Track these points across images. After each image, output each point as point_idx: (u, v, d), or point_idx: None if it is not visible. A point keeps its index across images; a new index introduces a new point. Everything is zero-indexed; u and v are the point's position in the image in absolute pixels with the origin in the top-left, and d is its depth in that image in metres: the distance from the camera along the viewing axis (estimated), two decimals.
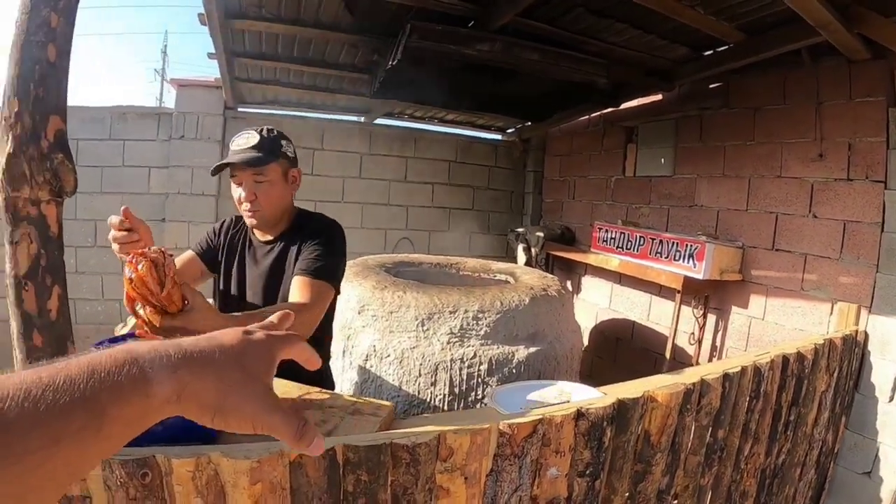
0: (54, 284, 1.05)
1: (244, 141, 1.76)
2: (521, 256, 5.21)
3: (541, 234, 5.04)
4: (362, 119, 5.83)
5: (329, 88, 4.97)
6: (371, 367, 2.76)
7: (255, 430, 0.55)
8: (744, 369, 1.80)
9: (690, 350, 3.74)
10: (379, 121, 5.79)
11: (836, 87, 3.00)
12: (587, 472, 1.37)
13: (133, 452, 1.00)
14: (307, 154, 5.46)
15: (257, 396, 0.53)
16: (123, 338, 1.37)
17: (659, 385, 1.53)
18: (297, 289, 1.66)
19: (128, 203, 4.96)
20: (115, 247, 1.34)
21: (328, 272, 1.73)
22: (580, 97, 4.27)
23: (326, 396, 1.47)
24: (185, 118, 5.22)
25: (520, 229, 5.44)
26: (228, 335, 0.56)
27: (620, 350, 4.50)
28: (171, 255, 1.18)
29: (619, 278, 4.52)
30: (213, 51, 3.88)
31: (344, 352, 2.86)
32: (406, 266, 3.70)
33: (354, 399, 1.46)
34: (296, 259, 1.80)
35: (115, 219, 1.32)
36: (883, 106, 2.79)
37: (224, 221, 2.03)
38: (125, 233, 1.32)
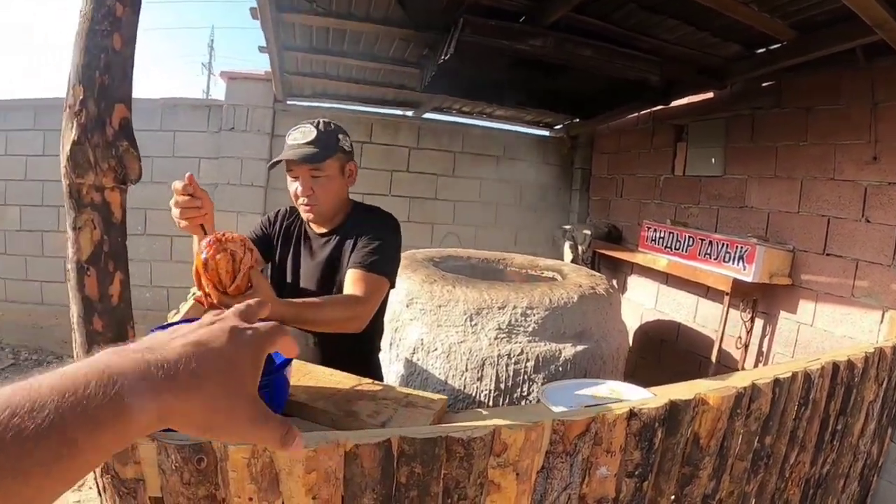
0: (116, 270, 1.05)
1: (301, 135, 1.77)
2: (568, 254, 5.20)
3: (588, 232, 5.03)
4: (410, 113, 5.86)
5: (378, 82, 5.02)
6: (418, 360, 2.81)
7: (243, 440, 0.58)
8: (794, 375, 1.78)
9: (736, 354, 3.69)
10: (427, 115, 5.82)
11: (892, 88, 2.93)
12: (636, 472, 1.38)
13: (190, 438, 1.03)
14: (355, 147, 5.51)
15: (245, 411, 0.51)
16: (175, 325, 1.44)
17: (710, 388, 1.53)
18: (352, 282, 1.69)
19: None
20: (175, 212, 1.35)
21: (383, 266, 1.75)
22: (631, 94, 4.23)
23: (379, 388, 1.50)
24: (234, 110, 5.36)
25: (567, 226, 5.42)
26: (218, 336, 0.53)
27: (665, 352, 4.46)
28: (253, 250, 1.26)
29: (666, 279, 4.48)
30: (265, 44, 3.97)
31: (391, 344, 2.92)
32: (454, 260, 3.73)
33: (407, 391, 1.49)
34: (352, 252, 1.81)
35: (178, 184, 1.33)
36: None
37: (279, 211, 2.04)
38: (188, 197, 1.33)
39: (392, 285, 1.81)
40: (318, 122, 1.81)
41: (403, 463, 1.09)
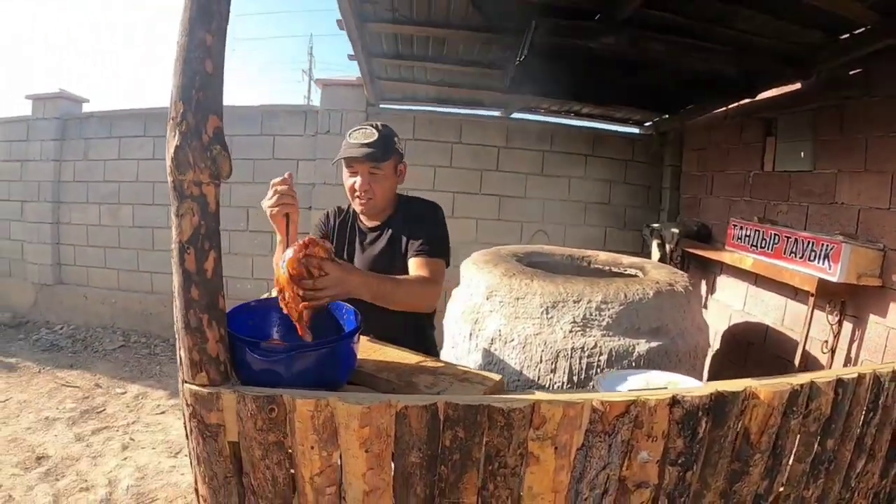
0: (210, 249, 1.24)
1: (362, 136, 1.97)
2: (656, 252, 5.15)
3: (676, 231, 4.95)
4: (498, 113, 5.97)
5: (464, 84, 5.16)
6: (495, 350, 2.91)
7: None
8: (860, 377, 1.73)
9: (823, 359, 3.54)
10: (515, 115, 5.90)
11: None
12: (679, 461, 1.41)
13: (265, 391, 1.23)
14: (445, 147, 5.74)
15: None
16: (256, 304, 1.74)
17: (762, 382, 1.53)
18: (417, 267, 1.95)
19: None
20: (271, 200, 1.64)
21: (441, 250, 2.03)
22: (714, 88, 4.15)
23: (441, 364, 1.71)
24: (329, 115, 5.70)
25: (655, 225, 5.36)
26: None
27: (751, 355, 4.32)
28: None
29: (755, 279, 4.34)
30: (353, 52, 4.20)
31: (471, 334, 3.02)
32: (537, 256, 3.80)
33: (466, 369, 1.69)
34: (407, 241, 2.06)
35: (279, 179, 1.64)
36: None
37: (328, 212, 2.29)
38: (286, 187, 1.63)
39: (448, 265, 2.05)
40: (378, 125, 2.02)
41: (448, 427, 1.23)
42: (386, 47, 4.30)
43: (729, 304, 4.67)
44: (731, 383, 1.55)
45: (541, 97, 5.06)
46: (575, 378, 2.79)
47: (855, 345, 3.41)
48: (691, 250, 4.90)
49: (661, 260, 4.97)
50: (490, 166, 5.85)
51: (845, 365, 3.44)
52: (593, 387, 1.79)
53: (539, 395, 1.32)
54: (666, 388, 1.53)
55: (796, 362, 3.54)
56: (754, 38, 3.31)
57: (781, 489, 1.67)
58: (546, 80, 3.92)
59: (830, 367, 3.50)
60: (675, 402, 1.39)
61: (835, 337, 3.47)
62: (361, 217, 2.19)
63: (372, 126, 2.01)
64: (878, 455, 1.94)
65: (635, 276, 3.49)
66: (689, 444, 1.42)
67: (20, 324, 6.52)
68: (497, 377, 1.61)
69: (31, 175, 6.51)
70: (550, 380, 2.82)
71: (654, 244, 5.16)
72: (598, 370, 2.77)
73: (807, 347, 3.55)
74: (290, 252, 1.48)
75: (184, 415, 1.33)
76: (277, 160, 5.82)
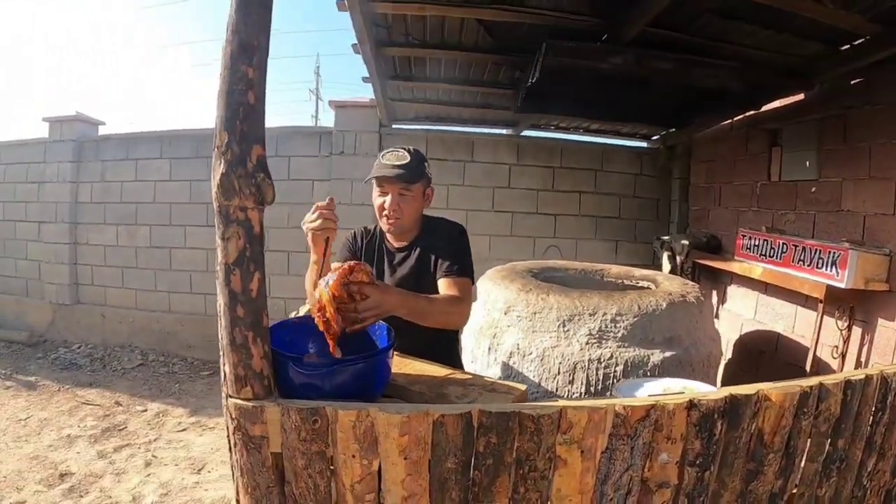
0: (255, 271, 1.30)
1: (395, 158, 2.05)
2: (666, 264, 5.22)
3: (686, 242, 5.02)
4: (509, 131, 6.09)
5: (475, 104, 5.31)
6: (514, 363, 3.00)
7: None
8: (868, 378, 1.78)
9: (834, 364, 3.60)
10: (525, 132, 6.04)
11: None
12: (697, 462, 1.47)
13: (309, 403, 1.28)
14: (458, 166, 5.87)
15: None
16: (292, 322, 1.79)
17: (774, 385, 1.58)
18: (446, 287, 2.05)
19: (293, 212, 5.59)
20: (315, 223, 1.71)
21: (467, 270, 2.12)
22: (718, 102, 4.26)
23: (469, 376, 1.81)
24: (343, 136, 5.83)
25: (665, 237, 5.44)
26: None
27: (763, 363, 4.39)
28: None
29: (765, 288, 4.40)
30: (367, 75, 4.31)
31: (490, 349, 3.11)
32: (552, 271, 3.89)
33: (492, 380, 1.79)
34: (435, 261, 2.14)
35: (323, 202, 1.71)
36: None
37: (354, 231, 2.35)
38: (330, 212, 1.71)
39: (473, 283, 2.14)
40: (410, 149, 2.10)
41: (482, 433, 1.29)
42: (399, 69, 4.44)
43: (740, 314, 4.73)
44: (744, 387, 1.62)
45: (551, 115, 5.19)
46: (592, 389, 2.87)
47: (865, 348, 3.48)
48: (701, 261, 4.97)
49: (672, 272, 5.03)
50: (502, 183, 5.95)
51: (856, 369, 3.47)
52: (611, 394, 1.85)
53: (565, 402, 1.39)
54: (683, 392, 1.59)
55: (808, 368, 3.61)
56: (756, 52, 3.41)
57: (795, 489, 1.72)
58: (556, 99, 4.05)
59: (841, 372, 3.52)
60: (692, 405, 1.45)
61: (844, 342, 3.54)
62: (388, 237, 2.26)
63: (404, 149, 2.08)
64: (888, 454, 1.98)
65: (647, 288, 3.56)
66: (706, 445, 1.48)
67: (38, 343, 6.63)
68: (522, 387, 1.71)
69: (49, 196, 6.66)
70: (568, 391, 2.91)
71: (665, 256, 5.23)
72: (615, 380, 2.84)
73: (817, 353, 3.61)
74: (332, 277, 1.55)
75: (227, 428, 1.37)
76: (293, 181, 5.94)
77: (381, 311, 1.64)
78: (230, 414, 1.32)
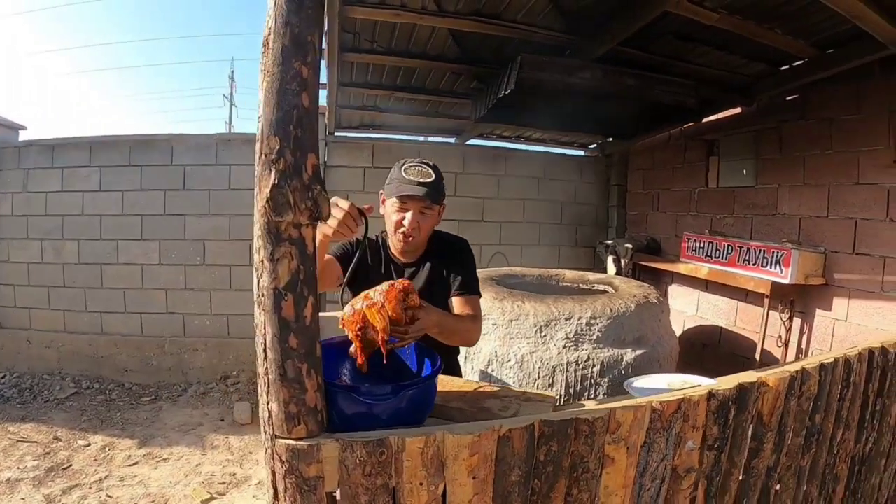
0: (309, 295, 1.16)
1: (419, 174, 1.92)
2: (612, 267, 5.49)
3: (629, 246, 5.32)
4: (454, 140, 6.19)
5: (426, 113, 5.35)
6: (492, 371, 3.10)
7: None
8: (836, 360, 2.02)
9: (777, 353, 3.94)
10: (471, 141, 6.14)
11: None
12: (715, 445, 1.64)
13: (373, 435, 1.18)
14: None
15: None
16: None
17: (768, 373, 1.78)
18: (461, 305, 2.03)
19: (235, 224, 5.55)
20: (334, 227, 1.60)
21: (477, 287, 2.11)
22: (668, 115, 4.49)
23: (496, 388, 1.80)
24: None
25: (609, 241, 5.70)
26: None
27: (707, 356, 4.70)
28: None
29: (706, 286, 4.73)
30: (325, 81, 4.27)
31: (466, 358, 3.17)
32: (511, 278, 4.02)
33: (522, 390, 1.81)
34: (447, 278, 2.08)
35: (343, 202, 1.61)
36: None
37: (358, 238, 2.02)
38: (356, 222, 1.61)
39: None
40: (431, 163, 1.99)
41: (543, 442, 1.30)
42: (356, 76, 4.43)
43: (682, 311, 5.05)
44: (746, 376, 1.81)
45: (508, 125, 5.33)
46: (572, 390, 3.04)
47: (805, 337, 3.85)
48: (645, 263, 5.27)
49: (617, 274, 5.30)
50: (448, 192, 5.85)
51: (797, 355, 3.87)
52: (594, 395, 1.99)
53: (611, 403, 1.52)
54: (685, 385, 1.76)
55: (757, 357, 3.94)
56: (708, 70, 3.72)
57: (784, 460, 1.92)
58: (522, 110, 4.17)
59: (785, 359, 3.91)
60: (711, 396, 1.62)
61: (787, 331, 3.90)
62: (394, 251, 2.15)
63: (427, 164, 1.97)
64: (852, 424, 2.23)
65: (605, 291, 3.77)
66: (722, 430, 1.65)
67: None
68: (552, 394, 1.77)
69: None
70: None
71: (610, 259, 5.51)
72: (592, 381, 3.02)
73: (762, 343, 3.94)
74: (382, 295, 1.46)
75: (273, 473, 1.23)
76: (234, 191, 5.64)
77: (422, 332, 1.62)
78: (278, 457, 1.19)
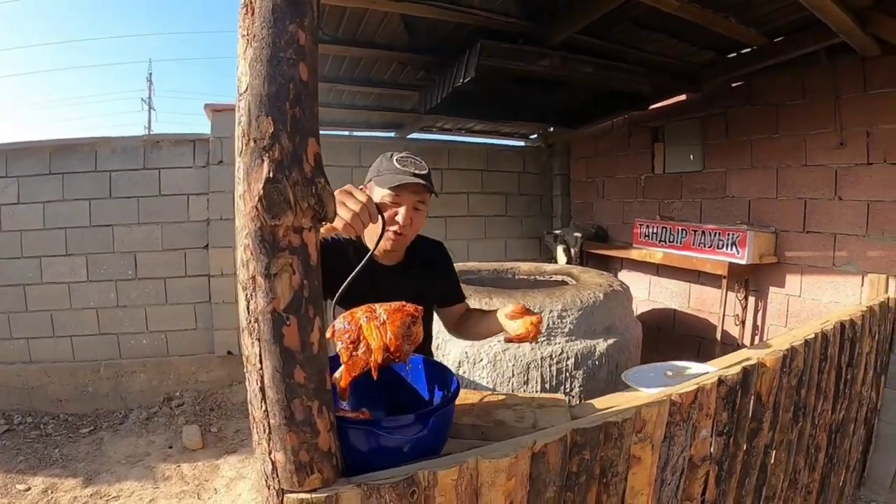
0: (315, 316, 0.97)
1: (414, 166, 1.76)
2: (562, 256, 5.52)
3: (578, 235, 5.36)
4: (394, 134, 6.04)
5: (368, 106, 5.18)
6: (464, 372, 3.04)
7: None
8: (816, 335, 2.09)
9: (735, 331, 4.06)
10: (412, 135, 6.02)
11: (852, 81, 3.34)
12: (725, 430, 1.64)
13: (395, 473, 1.02)
14: (346, 171, 5.55)
15: None
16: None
17: (759, 355, 1.82)
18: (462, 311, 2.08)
19: (168, 232, 5.10)
20: (350, 213, 1.36)
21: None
22: (616, 102, 4.53)
23: (503, 396, 1.66)
24: (222, 143, 5.18)
25: (557, 231, 5.74)
26: None
27: (662, 338, 4.79)
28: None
29: (657, 270, 4.82)
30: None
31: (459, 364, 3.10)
32: (466, 274, 3.94)
33: (531, 396, 1.71)
34: (437, 286, 2.01)
35: (361, 195, 1.38)
36: None
37: (342, 238, 1.86)
38: (377, 213, 1.41)
39: None
40: (418, 157, 1.84)
41: (575, 452, 1.22)
42: None
43: (635, 296, 5.02)
44: (746, 358, 1.84)
45: (460, 118, 5.24)
46: (547, 385, 3.00)
47: (759, 314, 3.98)
48: (595, 251, 5.33)
49: (568, 263, 5.33)
50: None
51: (754, 332, 4.01)
52: (629, 385, 1.95)
53: (635, 401, 1.47)
54: (707, 372, 1.75)
55: (718, 337, 4.02)
56: (659, 58, 3.75)
57: (777, 436, 1.96)
58: (473, 101, 4.11)
59: (742, 337, 4.04)
60: (720, 382, 1.62)
61: (743, 310, 4.03)
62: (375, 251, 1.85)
63: (416, 158, 1.82)
64: (829, 394, 2.32)
65: (565, 282, 3.76)
66: (731, 415, 1.67)
67: None
68: (562, 396, 1.69)
69: None
70: (525, 391, 3.01)
71: (560, 249, 5.54)
72: (567, 374, 3.00)
73: (717, 322, 4.04)
74: (385, 316, 1.25)
75: None
76: (165, 196, 5.17)
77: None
78: None
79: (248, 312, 0.96)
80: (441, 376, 1.45)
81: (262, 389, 0.97)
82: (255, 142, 0.91)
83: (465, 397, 1.65)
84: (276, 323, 0.93)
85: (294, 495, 0.98)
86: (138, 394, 5.16)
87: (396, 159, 1.78)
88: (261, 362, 0.95)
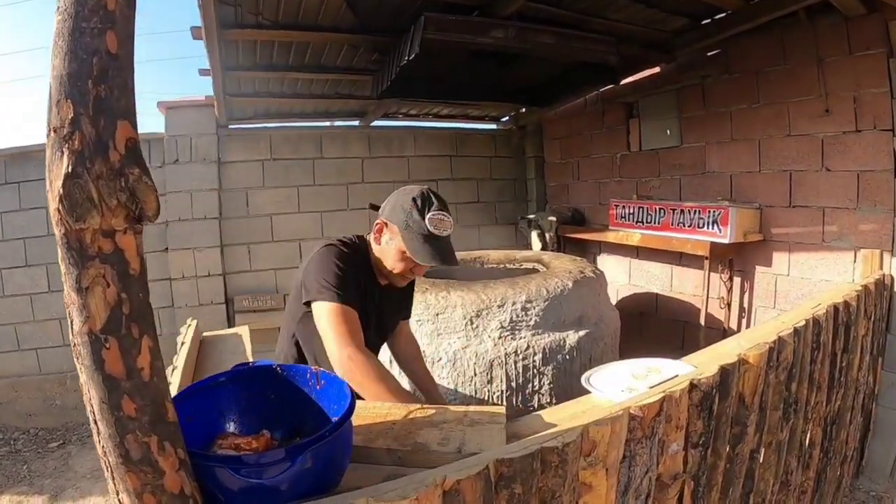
0: (142, 335, 0.83)
1: (445, 226, 1.78)
2: (536, 242, 5.29)
3: (553, 219, 5.13)
4: (358, 123, 5.80)
5: (325, 95, 4.96)
6: None
7: None
8: (807, 322, 1.89)
9: (720, 314, 3.84)
10: (375, 123, 5.76)
11: (835, 43, 3.10)
12: (700, 442, 1.42)
13: None
14: (307, 164, 5.49)
15: None
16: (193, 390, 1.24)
17: (729, 350, 1.66)
18: (408, 328, 2.31)
19: None
20: None
21: None
22: (583, 77, 4.30)
23: (433, 412, 1.40)
24: (177, 141, 5.12)
25: (531, 216, 5.50)
26: None
27: (645, 323, 4.59)
28: None
29: (637, 252, 4.60)
30: (207, 66, 3.84)
31: (391, 361, 2.85)
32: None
33: (465, 409, 1.40)
34: (404, 302, 2.19)
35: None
36: (883, 58, 2.89)
37: (340, 263, 1.82)
38: None
39: None
40: (447, 205, 1.83)
41: (503, 487, 1.02)
42: (243, 58, 3.97)
43: (614, 280, 4.88)
44: (725, 354, 1.62)
45: (413, 100, 4.95)
46: (513, 384, 2.77)
47: (746, 295, 3.75)
48: (571, 235, 5.08)
49: (543, 248, 5.11)
50: (356, 179, 5.65)
51: (741, 315, 3.79)
52: (588, 390, 1.69)
53: (580, 419, 1.20)
54: (676, 375, 1.49)
55: (702, 321, 3.80)
56: (625, 26, 3.47)
57: (765, 438, 1.76)
58: (426, 80, 3.87)
59: (728, 320, 3.82)
60: (692, 387, 1.39)
61: (728, 291, 3.79)
62: (374, 269, 1.95)
63: (447, 211, 1.80)
64: (823, 386, 2.13)
65: (535, 269, 3.53)
66: (706, 423, 1.43)
67: None
68: (501, 409, 1.37)
69: None
70: (489, 391, 2.78)
71: (534, 234, 5.30)
72: (535, 371, 2.77)
73: (706, 306, 3.81)
74: None
75: None
76: None
77: None
78: None
79: (72, 335, 0.82)
80: (343, 395, 1.18)
81: (96, 423, 0.84)
82: (54, 131, 0.76)
83: (389, 413, 1.39)
84: (94, 346, 0.79)
85: None
86: None
87: (430, 220, 1.75)
88: (88, 392, 0.83)
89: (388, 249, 1.82)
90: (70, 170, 0.75)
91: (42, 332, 5.05)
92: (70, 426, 5.01)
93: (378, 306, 1.95)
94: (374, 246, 1.88)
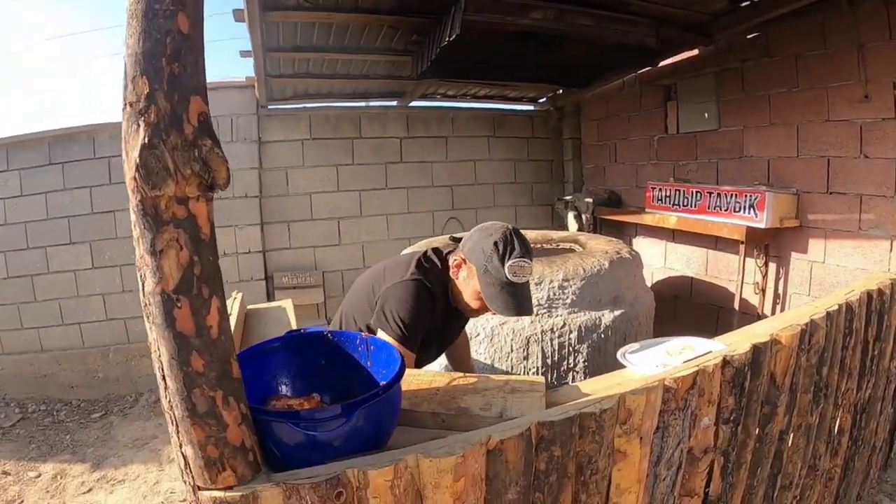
0: (212, 296, 0.88)
1: (526, 272, 1.78)
2: (573, 223, 5.31)
3: (590, 200, 5.15)
4: (396, 103, 5.82)
5: (364, 75, 4.98)
6: None
7: None
8: (840, 307, 1.90)
9: (754, 300, 3.84)
10: (414, 103, 5.78)
11: (876, 29, 3.05)
12: (731, 418, 1.47)
13: (320, 472, 0.94)
14: (345, 144, 5.55)
15: None
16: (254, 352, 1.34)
17: (776, 329, 1.64)
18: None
19: None
20: None
21: None
22: (622, 59, 4.28)
23: (475, 379, 1.49)
24: (217, 122, 4.99)
25: (568, 197, 5.52)
26: None
27: (679, 307, 4.59)
28: None
29: (673, 235, 4.60)
30: (248, 48, 3.91)
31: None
32: None
33: (505, 378, 1.49)
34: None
35: None
36: None
37: (425, 304, 1.87)
38: None
39: None
40: (529, 248, 1.84)
41: (542, 449, 1.09)
42: (283, 40, 4.02)
43: (650, 263, 4.88)
44: (757, 334, 1.64)
45: (452, 81, 4.98)
46: (549, 361, 2.84)
47: (781, 282, 3.74)
48: (607, 217, 5.10)
49: (580, 230, 5.13)
50: (394, 158, 5.70)
51: (775, 301, 3.77)
52: (625, 366, 1.75)
53: (618, 388, 1.28)
54: (710, 352, 1.55)
55: (736, 306, 3.80)
56: (664, 8, 3.44)
57: (794, 420, 1.79)
58: (466, 62, 3.89)
59: (762, 306, 3.81)
60: (725, 363, 1.44)
61: (763, 277, 3.79)
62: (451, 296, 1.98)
63: (528, 259, 1.80)
64: (854, 373, 2.13)
65: (572, 249, 3.57)
66: (738, 400, 1.48)
67: None
68: (541, 379, 1.47)
69: None
70: (525, 367, 2.85)
71: (571, 216, 5.32)
72: (571, 349, 2.83)
73: (741, 291, 3.81)
74: None
75: None
76: None
77: None
78: None
79: (143, 295, 0.88)
80: (393, 360, 1.27)
81: (164, 378, 0.90)
82: (130, 105, 0.82)
83: (433, 381, 1.48)
84: (166, 306, 0.86)
85: (208, 493, 0.92)
86: (147, 377, 5.14)
87: (510, 268, 1.74)
88: (158, 349, 0.89)
89: (466, 287, 1.84)
90: (147, 140, 0.81)
91: (85, 307, 5.18)
92: (112, 398, 5.13)
93: (447, 327, 2.04)
94: (452, 277, 1.90)
